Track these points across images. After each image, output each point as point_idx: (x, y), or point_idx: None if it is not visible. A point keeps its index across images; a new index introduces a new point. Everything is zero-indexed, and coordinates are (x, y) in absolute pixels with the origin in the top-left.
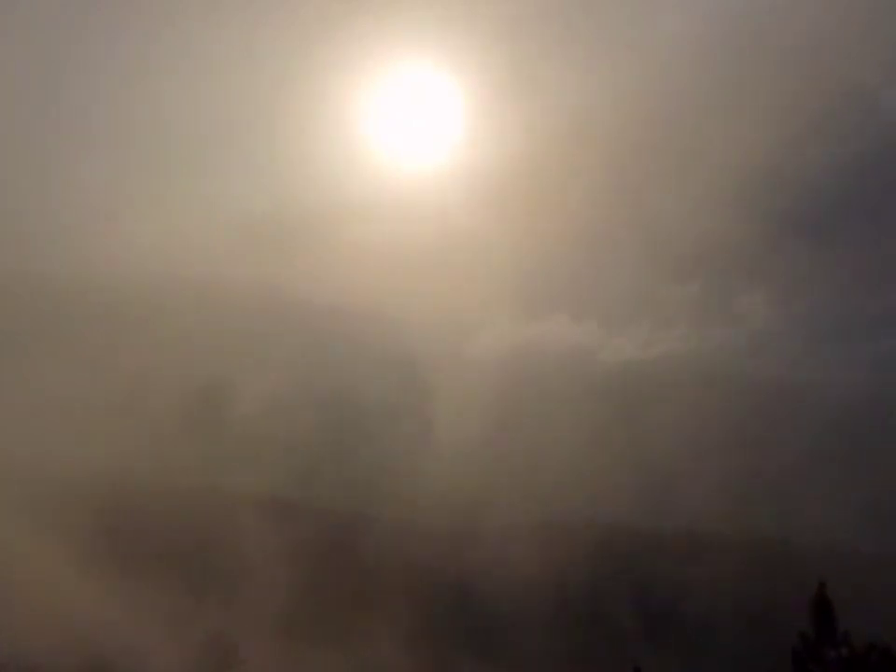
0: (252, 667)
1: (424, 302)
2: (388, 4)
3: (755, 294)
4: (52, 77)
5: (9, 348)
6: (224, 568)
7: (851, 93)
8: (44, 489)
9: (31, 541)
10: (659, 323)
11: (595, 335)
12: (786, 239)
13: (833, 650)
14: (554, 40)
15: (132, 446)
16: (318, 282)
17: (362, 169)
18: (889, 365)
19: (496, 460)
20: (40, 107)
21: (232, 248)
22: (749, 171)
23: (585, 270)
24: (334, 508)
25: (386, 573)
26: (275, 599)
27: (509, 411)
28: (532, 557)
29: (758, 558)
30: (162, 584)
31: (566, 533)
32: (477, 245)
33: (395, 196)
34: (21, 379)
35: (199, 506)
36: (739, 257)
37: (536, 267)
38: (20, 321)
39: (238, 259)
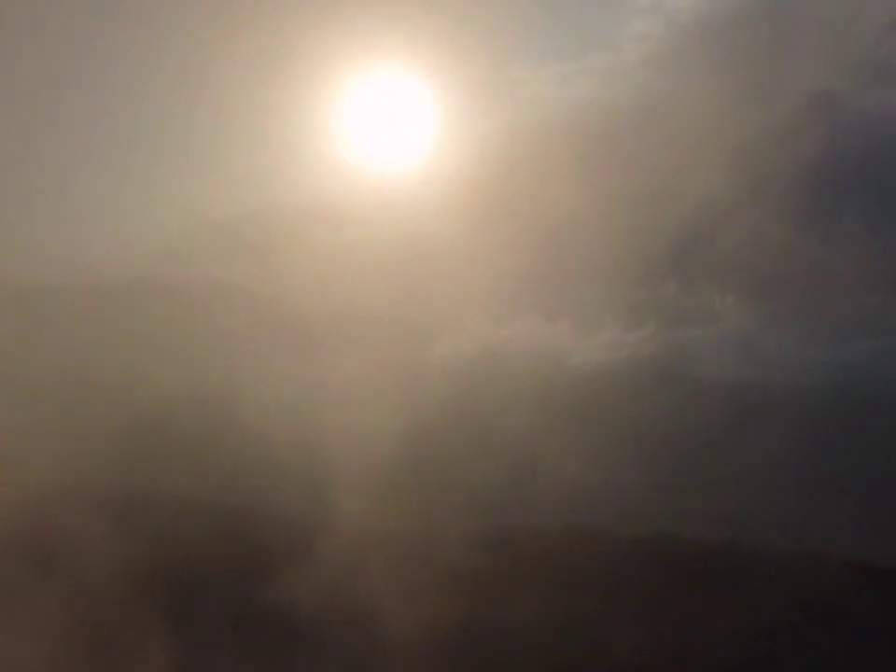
0: None
1: (395, 303)
2: (364, 6)
3: (729, 295)
4: (31, 74)
5: None
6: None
7: (826, 94)
8: None
9: None
10: (632, 324)
11: (568, 336)
12: (761, 239)
13: None
14: (531, 44)
15: (73, 449)
16: (291, 283)
17: (336, 172)
18: (866, 367)
19: (464, 461)
20: (18, 104)
21: (207, 250)
22: (725, 171)
23: (558, 270)
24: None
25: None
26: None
27: (479, 411)
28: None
29: (736, 566)
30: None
31: (532, 540)
32: (450, 245)
33: (368, 198)
34: None
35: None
36: (713, 257)
37: (508, 267)
38: None
39: (213, 261)
